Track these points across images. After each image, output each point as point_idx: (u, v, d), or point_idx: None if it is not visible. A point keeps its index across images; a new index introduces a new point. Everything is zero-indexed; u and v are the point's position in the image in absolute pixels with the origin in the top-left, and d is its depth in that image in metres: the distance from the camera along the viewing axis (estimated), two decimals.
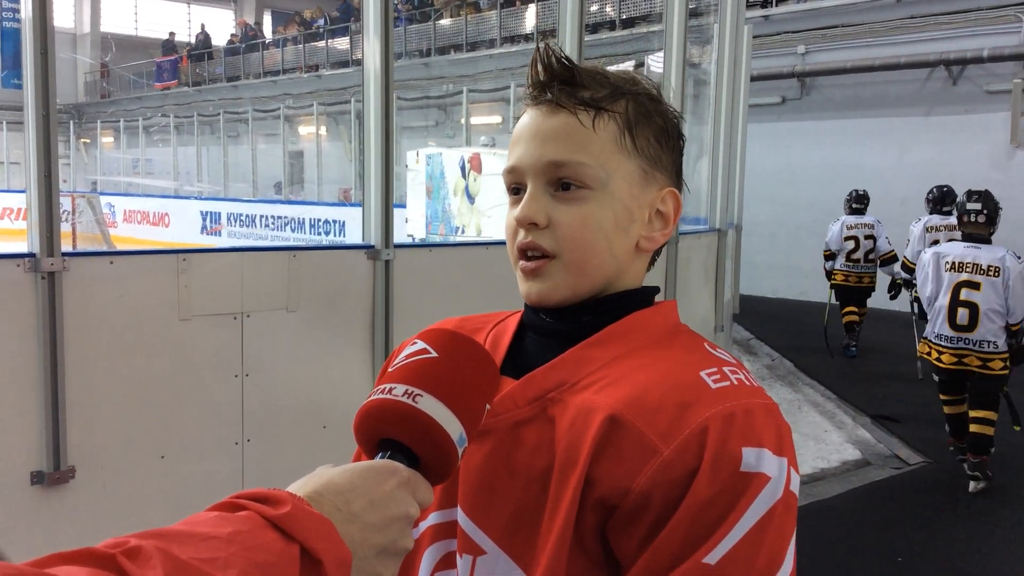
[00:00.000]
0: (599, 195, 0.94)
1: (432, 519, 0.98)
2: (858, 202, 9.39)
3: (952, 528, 4.78)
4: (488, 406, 0.88)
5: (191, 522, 0.66)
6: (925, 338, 5.51)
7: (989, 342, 5.13)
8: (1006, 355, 5.17)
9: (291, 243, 12.66)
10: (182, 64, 27.93)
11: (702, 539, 0.80)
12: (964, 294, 5.15)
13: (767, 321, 11.42)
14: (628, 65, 11.82)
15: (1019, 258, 5.14)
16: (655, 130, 0.98)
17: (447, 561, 0.96)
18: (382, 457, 0.80)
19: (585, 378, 0.92)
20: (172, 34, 29.73)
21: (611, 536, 0.86)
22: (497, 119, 16.60)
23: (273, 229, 14.12)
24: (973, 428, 5.28)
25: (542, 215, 0.95)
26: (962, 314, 5.16)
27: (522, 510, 0.90)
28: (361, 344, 3.70)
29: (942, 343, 5.32)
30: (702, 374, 0.89)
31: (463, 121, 15.36)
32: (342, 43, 22.65)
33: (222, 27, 30.83)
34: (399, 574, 1.01)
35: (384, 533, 0.74)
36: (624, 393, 0.88)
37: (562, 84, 0.96)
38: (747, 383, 0.90)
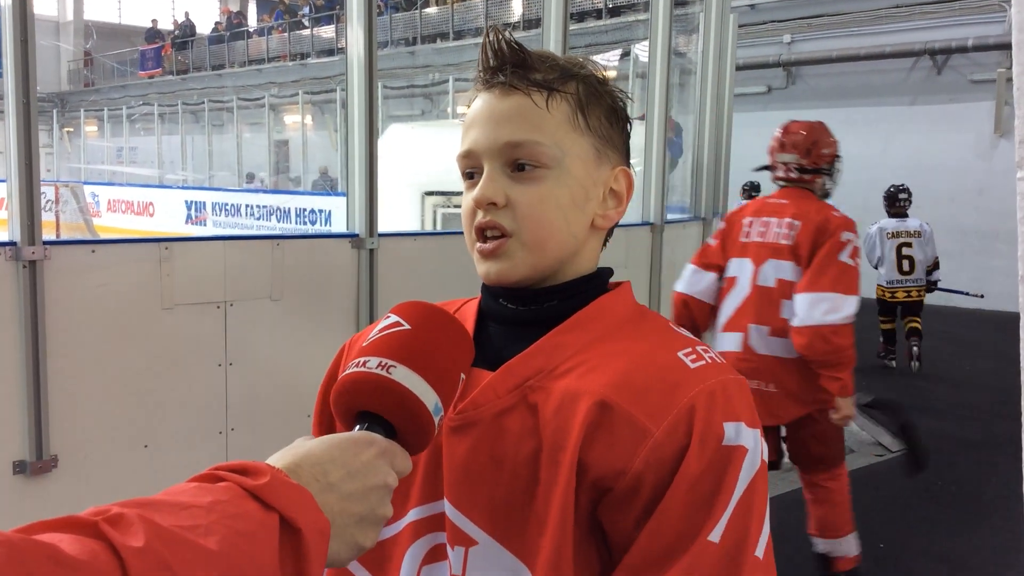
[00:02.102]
0: (555, 174, 0.96)
1: (414, 514, 0.98)
2: (754, 190, 11.16)
3: (933, 514, 4.82)
4: (464, 376, 0.89)
5: (171, 492, 0.67)
6: (879, 284, 8.04)
7: (920, 279, 7.98)
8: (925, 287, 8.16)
9: (277, 232, 12.60)
10: (165, 52, 27.74)
11: (701, 518, 0.84)
12: (904, 251, 7.91)
13: None
14: (614, 54, 11.82)
15: (927, 224, 8.03)
16: (605, 110, 1.00)
17: (434, 554, 0.97)
18: (360, 429, 0.82)
19: (563, 364, 0.93)
20: (154, 21, 29.52)
21: (603, 517, 0.89)
22: None
23: (259, 218, 14.05)
24: (914, 325, 8.10)
25: (500, 195, 0.95)
26: (905, 264, 7.93)
27: (511, 498, 0.91)
28: (345, 333, 3.69)
29: (894, 285, 8.03)
30: (679, 355, 0.92)
31: (449, 110, 15.32)
32: (328, 31, 22.54)
33: (206, 15, 30.63)
34: (376, 573, 1.01)
35: (362, 502, 0.75)
36: (608, 378, 0.89)
37: (514, 67, 0.97)
38: (717, 360, 0.93)
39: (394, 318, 0.88)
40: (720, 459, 0.85)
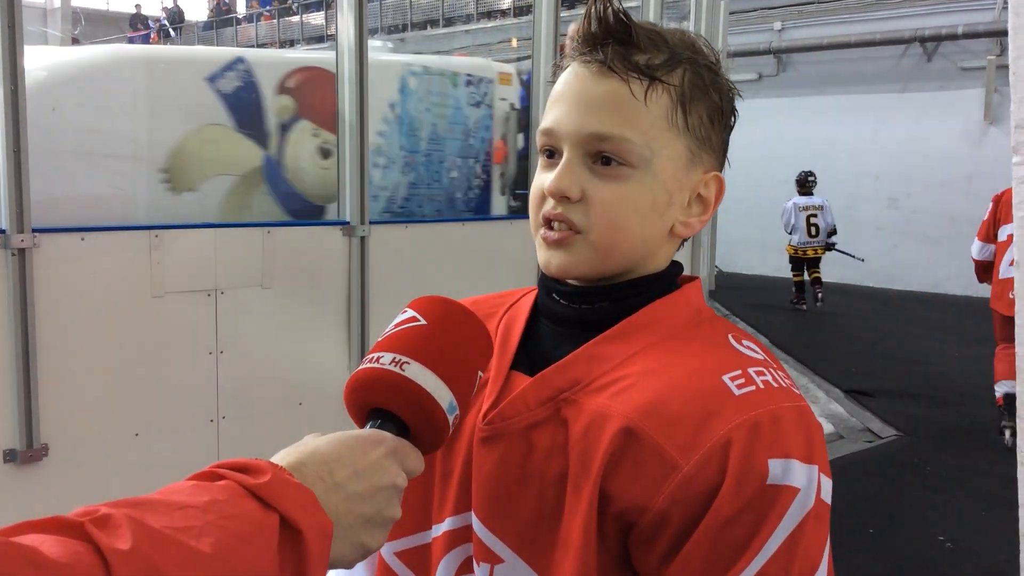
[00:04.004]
0: (640, 174, 0.86)
1: (448, 524, 0.92)
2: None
3: (923, 499, 4.85)
4: (481, 373, 0.85)
5: (168, 491, 0.64)
6: (791, 245, 10.59)
7: (822, 241, 10.44)
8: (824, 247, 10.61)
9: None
10: (154, 40, 27.55)
11: (731, 559, 0.76)
12: (812, 220, 10.41)
13: (742, 297, 11.50)
14: None
15: (826, 200, 10.51)
16: (709, 107, 0.89)
17: (467, 567, 0.91)
18: (371, 427, 0.78)
19: (600, 377, 0.85)
20: (138, 6, 29.27)
21: (632, 550, 0.82)
22: None
23: None
24: (816, 275, 10.56)
25: (576, 189, 0.86)
26: (813, 230, 10.40)
27: (539, 517, 0.85)
28: (336, 321, 3.69)
29: (804, 245, 10.46)
30: (725, 378, 0.82)
31: None
32: (317, 18, 22.42)
33: (195, 2, 30.44)
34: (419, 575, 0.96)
35: (370, 503, 0.73)
36: (641, 400, 0.81)
37: (616, 44, 0.86)
38: (774, 384, 0.83)
39: (410, 313, 0.84)
40: (761, 500, 0.76)
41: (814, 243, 10.49)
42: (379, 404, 0.79)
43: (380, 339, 0.83)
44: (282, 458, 0.71)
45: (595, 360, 0.87)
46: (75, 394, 3.06)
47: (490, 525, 0.88)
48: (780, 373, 0.85)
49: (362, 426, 0.80)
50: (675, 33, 0.90)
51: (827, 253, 10.63)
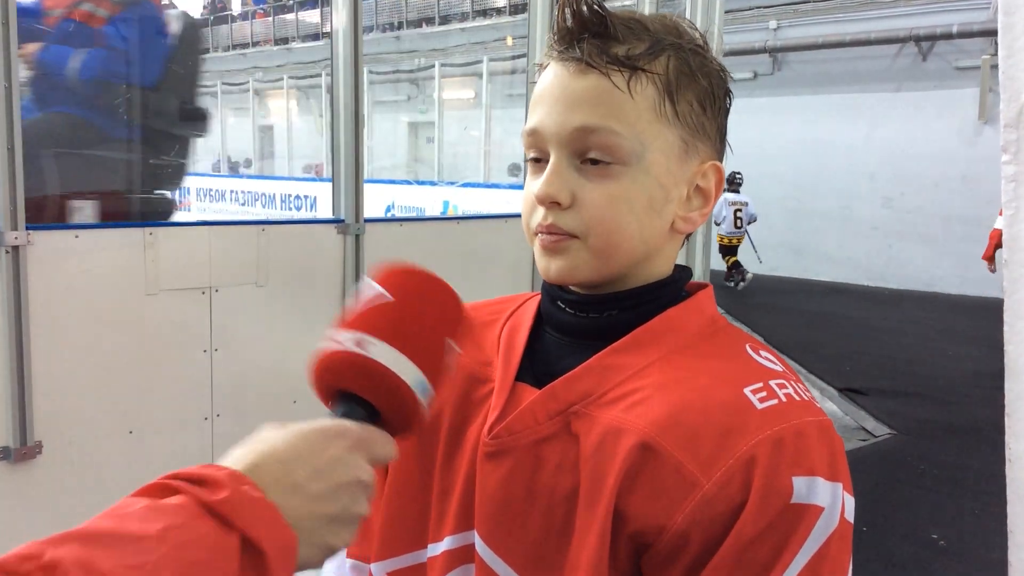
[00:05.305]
0: (632, 171, 0.82)
1: (447, 543, 0.88)
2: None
3: (916, 498, 4.86)
4: (456, 347, 0.79)
5: (120, 516, 0.59)
6: (720, 234, 12.16)
7: (744, 231, 12.34)
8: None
9: (261, 219, 12.52)
10: None
11: None
12: (738, 214, 12.17)
13: (737, 296, 11.52)
14: None
15: (749, 198, 12.21)
16: (699, 93, 0.84)
17: None
18: (338, 413, 0.74)
19: (613, 389, 0.81)
20: None
21: (646, 572, 0.79)
22: (470, 94, 16.52)
23: (243, 204, 13.99)
24: (736, 259, 12.43)
25: (565, 193, 0.82)
26: (739, 221, 12.20)
27: (546, 537, 0.81)
28: (331, 319, 3.62)
29: (732, 234, 12.24)
30: (746, 391, 0.78)
31: (435, 96, 15.28)
32: (313, 15, 22.39)
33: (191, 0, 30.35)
34: None
35: (333, 502, 0.68)
36: (658, 414, 0.77)
37: (593, 37, 0.82)
38: (796, 397, 0.79)
39: (374, 286, 0.80)
40: (785, 520, 0.73)
41: (739, 232, 12.49)
42: (345, 386, 0.75)
43: (343, 317, 0.78)
44: (238, 460, 0.66)
45: (607, 371, 0.83)
46: (69, 391, 3.05)
47: (494, 545, 0.84)
48: (800, 386, 0.82)
49: (332, 408, 0.76)
50: (657, 18, 0.86)
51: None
